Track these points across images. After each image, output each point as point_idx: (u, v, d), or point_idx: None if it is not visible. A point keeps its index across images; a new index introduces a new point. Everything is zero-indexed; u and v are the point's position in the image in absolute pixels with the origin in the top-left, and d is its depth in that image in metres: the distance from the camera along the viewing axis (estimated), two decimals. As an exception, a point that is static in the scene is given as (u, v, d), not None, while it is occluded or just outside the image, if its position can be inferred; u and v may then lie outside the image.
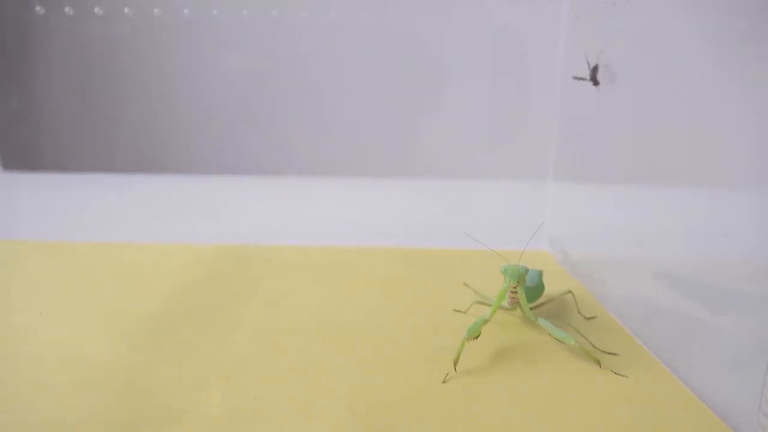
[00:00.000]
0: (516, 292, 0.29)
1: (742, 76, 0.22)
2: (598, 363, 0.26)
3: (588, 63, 0.33)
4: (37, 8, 0.45)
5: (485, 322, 0.27)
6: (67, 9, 0.45)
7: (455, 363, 0.26)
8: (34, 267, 0.39)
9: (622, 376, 0.25)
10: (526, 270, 0.28)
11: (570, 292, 0.33)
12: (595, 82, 0.33)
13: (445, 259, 0.42)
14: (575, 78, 0.34)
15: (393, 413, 0.22)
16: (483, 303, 0.32)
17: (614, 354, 0.28)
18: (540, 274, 0.33)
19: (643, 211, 0.30)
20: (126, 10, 0.45)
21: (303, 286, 0.36)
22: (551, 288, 0.34)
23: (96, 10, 0.45)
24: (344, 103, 0.47)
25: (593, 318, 0.32)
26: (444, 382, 0.25)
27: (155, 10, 0.45)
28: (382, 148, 0.47)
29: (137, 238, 0.45)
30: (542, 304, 0.32)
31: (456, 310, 0.32)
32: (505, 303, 0.29)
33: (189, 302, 0.33)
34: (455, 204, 0.47)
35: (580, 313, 0.32)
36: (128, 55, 0.46)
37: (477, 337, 0.26)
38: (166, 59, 0.47)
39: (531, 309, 0.29)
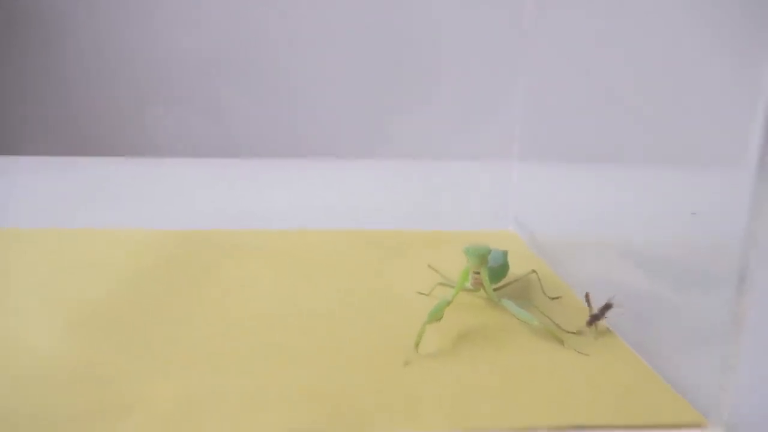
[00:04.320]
0: (479, 273, 0.28)
1: (707, 55, 0.23)
2: (561, 342, 0.27)
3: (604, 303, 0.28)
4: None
5: (448, 303, 0.27)
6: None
7: (417, 346, 0.26)
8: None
9: (585, 354, 0.26)
10: (489, 250, 0.28)
11: (534, 271, 0.33)
12: (591, 321, 0.27)
13: (410, 241, 0.41)
14: (587, 298, 0.28)
15: (356, 399, 0.22)
16: (446, 285, 0.32)
17: (577, 333, 0.28)
18: (504, 254, 0.33)
19: (610, 191, 0.30)
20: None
21: (261, 272, 0.35)
22: (517, 269, 0.34)
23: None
24: (307, 83, 0.46)
25: (557, 298, 0.32)
26: (405, 365, 0.25)
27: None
28: (346, 129, 0.47)
29: (88, 223, 0.44)
30: (507, 284, 0.32)
31: (419, 293, 0.32)
32: (468, 284, 0.29)
33: (142, 290, 0.32)
34: (420, 185, 0.46)
35: (544, 293, 0.32)
36: (71, 33, 0.44)
37: (439, 320, 0.26)
38: (108, 38, 0.45)
39: (495, 290, 0.29)
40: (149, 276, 0.34)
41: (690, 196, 0.24)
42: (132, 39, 0.45)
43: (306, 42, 0.45)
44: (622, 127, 0.29)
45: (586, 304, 0.29)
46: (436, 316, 0.26)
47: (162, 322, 0.28)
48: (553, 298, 0.32)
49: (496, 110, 0.46)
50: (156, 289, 0.32)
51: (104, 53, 0.45)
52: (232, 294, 0.32)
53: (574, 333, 0.28)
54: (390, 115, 0.46)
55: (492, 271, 0.30)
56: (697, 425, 0.21)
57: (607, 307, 0.28)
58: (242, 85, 0.45)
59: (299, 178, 0.46)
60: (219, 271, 0.35)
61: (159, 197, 0.46)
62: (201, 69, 0.45)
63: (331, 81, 0.46)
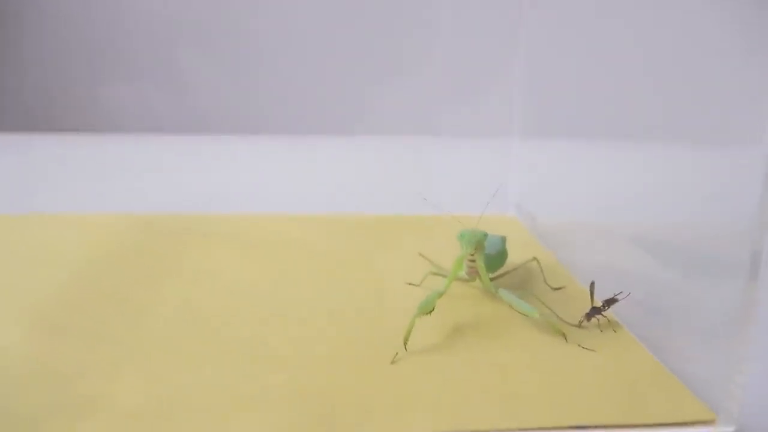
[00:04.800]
0: (474, 261, 0.27)
1: (721, 24, 0.22)
2: (564, 337, 0.26)
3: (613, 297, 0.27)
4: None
5: (440, 295, 0.26)
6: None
7: (405, 342, 0.24)
8: None
9: (590, 350, 0.25)
10: (485, 235, 0.27)
11: (535, 259, 0.32)
12: (589, 314, 0.26)
13: (399, 226, 0.40)
14: (592, 286, 0.27)
15: (338, 399, 0.22)
16: (439, 274, 0.30)
17: (582, 327, 0.27)
18: (503, 240, 0.32)
19: (619, 171, 0.30)
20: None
21: (234, 260, 0.34)
22: (517, 256, 0.33)
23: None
24: (283, 51, 0.44)
25: (561, 288, 0.31)
26: (393, 363, 0.24)
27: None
28: (327, 102, 0.45)
29: (40, 207, 0.42)
30: (505, 273, 0.31)
31: (410, 284, 0.31)
32: (463, 273, 0.28)
33: (102, 280, 0.31)
34: (411, 164, 0.45)
35: (546, 283, 0.31)
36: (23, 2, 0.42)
37: (430, 312, 0.25)
38: (62, 5, 0.42)
39: (492, 279, 0.28)
40: (110, 264, 0.33)
41: (705, 177, 0.23)
42: (87, 5, 0.42)
43: (282, 4, 0.43)
44: (630, 101, 0.28)
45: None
46: (426, 308, 0.25)
47: (125, 315, 0.27)
48: (555, 289, 0.31)
49: (494, 82, 0.44)
50: (118, 279, 0.31)
51: (58, 20, 0.43)
52: (202, 284, 0.31)
53: (578, 326, 0.27)
54: (376, 87, 0.45)
55: (489, 258, 0.29)
56: (707, 422, 0.21)
57: (612, 301, 0.26)
58: (208, 52, 0.43)
59: (275, 157, 0.44)
60: (187, 258, 0.34)
61: (118, 177, 0.44)
62: (162, 36, 0.42)
63: (310, 49, 0.44)
